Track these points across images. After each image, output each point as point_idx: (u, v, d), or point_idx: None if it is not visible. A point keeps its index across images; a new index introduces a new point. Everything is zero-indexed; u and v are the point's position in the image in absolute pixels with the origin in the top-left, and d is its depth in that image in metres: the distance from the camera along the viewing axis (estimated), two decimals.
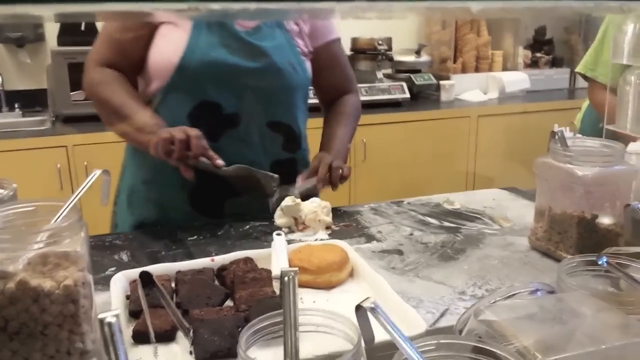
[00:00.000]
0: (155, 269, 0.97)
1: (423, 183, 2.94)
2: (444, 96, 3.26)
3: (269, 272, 0.93)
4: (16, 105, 2.89)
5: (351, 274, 0.99)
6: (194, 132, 1.16)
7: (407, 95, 3.13)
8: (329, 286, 0.95)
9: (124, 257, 1.12)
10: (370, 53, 3.17)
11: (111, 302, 0.89)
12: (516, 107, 3.16)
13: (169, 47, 1.24)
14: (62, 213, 0.76)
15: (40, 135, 2.62)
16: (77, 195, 0.78)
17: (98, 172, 0.81)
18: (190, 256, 1.10)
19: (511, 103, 3.22)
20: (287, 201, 1.21)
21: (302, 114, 1.38)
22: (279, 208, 1.22)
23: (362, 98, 3.04)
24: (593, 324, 0.58)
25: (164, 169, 1.24)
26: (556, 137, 1.06)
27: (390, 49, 3.19)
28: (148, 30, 1.25)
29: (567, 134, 1.31)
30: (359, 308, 0.59)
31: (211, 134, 1.24)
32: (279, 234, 1.05)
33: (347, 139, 1.43)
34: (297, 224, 1.21)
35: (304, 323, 0.65)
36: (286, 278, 0.65)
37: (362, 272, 0.97)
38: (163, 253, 1.13)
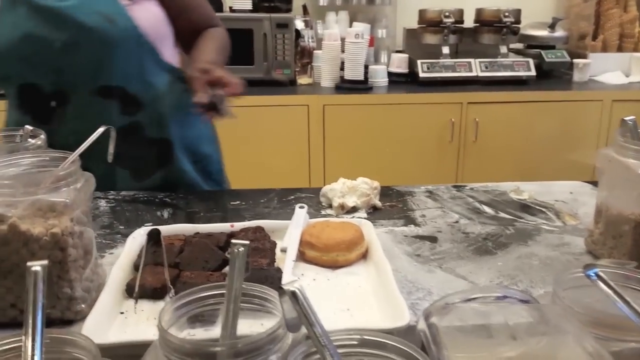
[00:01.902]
0: (174, 228, 0.99)
1: (538, 171, 2.72)
2: (576, 76, 2.96)
3: (273, 243, 0.91)
4: None
5: (364, 256, 0.94)
6: None
7: (533, 72, 2.88)
8: (334, 265, 0.91)
9: (165, 214, 1.16)
10: (496, 26, 2.95)
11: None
12: None
13: None
14: (64, 165, 0.80)
15: None
16: (80, 149, 0.82)
17: (102, 129, 0.84)
18: (224, 219, 1.12)
19: None
20: (336, 192, 1.15)
21: (141, 68, 1.22)
22: (322, 195, 1.19)
23: (481, 74, 2.89)
24: (530, 349, 0.49)
25: None
26: (627, 126, 0.91)
27: (518, 21, 2.95)
28: None
29: None
30: (281, 291, 0.55)
31: (41, 118, 1.19)
32: (301, 207, 1.02)
33: (220, 52, 1.29)
34: (342, 208, 1.15)
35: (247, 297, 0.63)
36: (236, 250, 0.63)
37: (374, 255, 0.91)
38: (202, 214, 1.16)
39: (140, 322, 0.77)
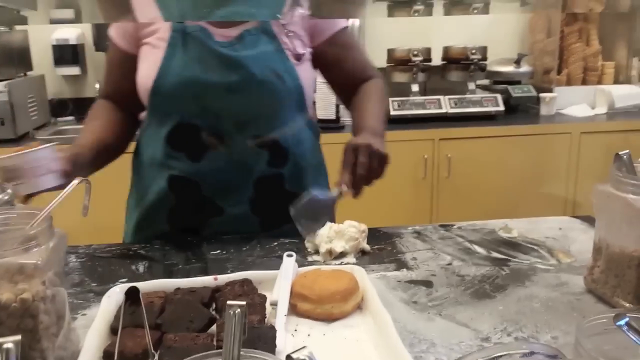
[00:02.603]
0: (153, 284, 0.92)
1: (512, 205, 2.71)
2: (543, 110, 3.01)
3: (263, 297, 0.85)
4: None
5: (360, 306, 0.88)
6: None
7: (501, 108, 2.92)
8: (330, 318, 0.85)
9: (141, 268, 1.09)
10: (463, 63, 2.99)
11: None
12: (626, 124, 2.84)
13: (145, 71, 1.19)
14: (34, 222, 0.73)
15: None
16: (53, 204, 0.75)
17: (76, 181, 0.77)
18: (205, 271, 1.05)
19: (620, 120, 2.90)
20: (322, 237, 1.11)
21: (294, 124, 1.26)
22: (307, 240, 1.14)
23: (451, 110, 2.90)
24: None
25: (145, 188, 1.25)
26: (621, 160, 0.89)
27: (484, 58, 3.00)
28: (130, 63, 1.22)
29: None
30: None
31: (192, 155, 1.20)
32: (290, 255, 0.97)
33: (380, 115, 1.28)
34: (330, 254, 1.09)
35: None
36: (231, 312, 0.57)
37: (370, 305, 0.86)
38: (180, 266, 1.09)
39: None
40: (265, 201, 1.24)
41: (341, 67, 1.32)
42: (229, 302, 0.57)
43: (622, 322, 0.52)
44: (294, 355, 0.49)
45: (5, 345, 0.51)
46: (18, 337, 0.51)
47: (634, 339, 0.51)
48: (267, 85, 1.17)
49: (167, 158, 1.20)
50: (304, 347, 0.50)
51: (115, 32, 1.25)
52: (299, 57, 1.23)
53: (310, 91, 1.28)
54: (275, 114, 1.21)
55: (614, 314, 0.59)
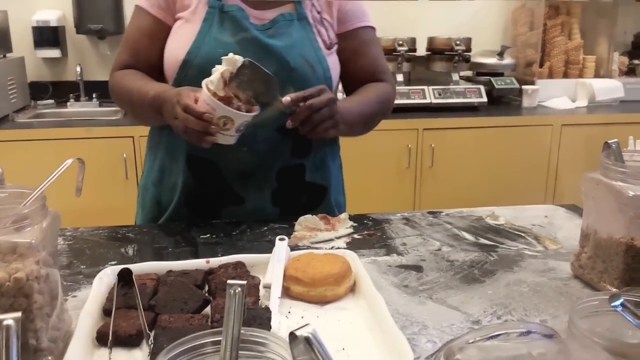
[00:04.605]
0: (144, 267, 0.92)
1: (494, 194, 2.75)
2: (526, 102, 3.04)
3: (257, 280, 0.85)
4: (94, 95, 2.99)
5: (353, 289, 0.89)
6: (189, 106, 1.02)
7: (484, 99, 2.94)
8: (323, 301, 0.85)
9: (130, 251, 1.08)
10: (447, 54, 3.01)
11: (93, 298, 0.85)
12: (606, 117, 2.88)
13: (177, 43, 1.18)
14: (28, 201, 0.72)
15: (112, 125, 2.68)
16: (46, 183, 0.74)
17: (70, 160, 0.76)
18: (195, 255, 1.05)
19: (601, 113, 2.94)
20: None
21: None
22: (297, 222, 1.15)
23: (435, 101, 2.92)
24: None
25: (166, 169, 1.24)
26: (610, 149, 0.91)
27: (469, 49, 3.02)
28: (163, 33, 1.20)
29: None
30: (292, 337, 0.50)
31: None
32: (282, 239, 0.97)
33: (358, 105, 1.24)
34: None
35: (243, 344, 0.57)
36: (232, 291, 0.57)
37: (363, 288, 0.87)
38: (170, 250, 1.08)
39: None
40: (286, 192, 1.24)
41: (354, 64, 1.28)
42: (229, 281, 0.57)
43: (617, 303, 0.53)
44: (297, 332, 0.49)
45: (5, 322, 0.50)
46: (18, 314, 0.51)
47: (630, 319, 0.52)
48: (298, 74, 1.16)
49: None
50: (307, 324, 0.50)
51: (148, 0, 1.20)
52: (330, 47, 1.22)
53: (337, 82, 1.27)
54: None
55: (606, 296, 0.61)
